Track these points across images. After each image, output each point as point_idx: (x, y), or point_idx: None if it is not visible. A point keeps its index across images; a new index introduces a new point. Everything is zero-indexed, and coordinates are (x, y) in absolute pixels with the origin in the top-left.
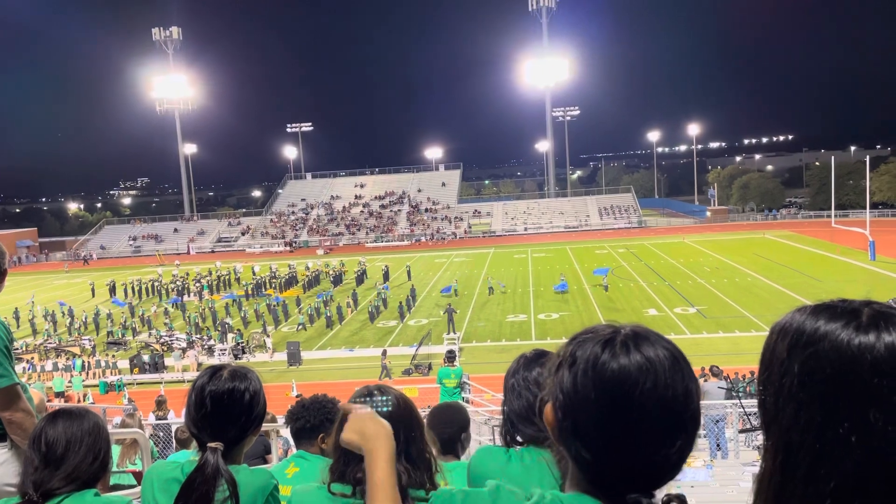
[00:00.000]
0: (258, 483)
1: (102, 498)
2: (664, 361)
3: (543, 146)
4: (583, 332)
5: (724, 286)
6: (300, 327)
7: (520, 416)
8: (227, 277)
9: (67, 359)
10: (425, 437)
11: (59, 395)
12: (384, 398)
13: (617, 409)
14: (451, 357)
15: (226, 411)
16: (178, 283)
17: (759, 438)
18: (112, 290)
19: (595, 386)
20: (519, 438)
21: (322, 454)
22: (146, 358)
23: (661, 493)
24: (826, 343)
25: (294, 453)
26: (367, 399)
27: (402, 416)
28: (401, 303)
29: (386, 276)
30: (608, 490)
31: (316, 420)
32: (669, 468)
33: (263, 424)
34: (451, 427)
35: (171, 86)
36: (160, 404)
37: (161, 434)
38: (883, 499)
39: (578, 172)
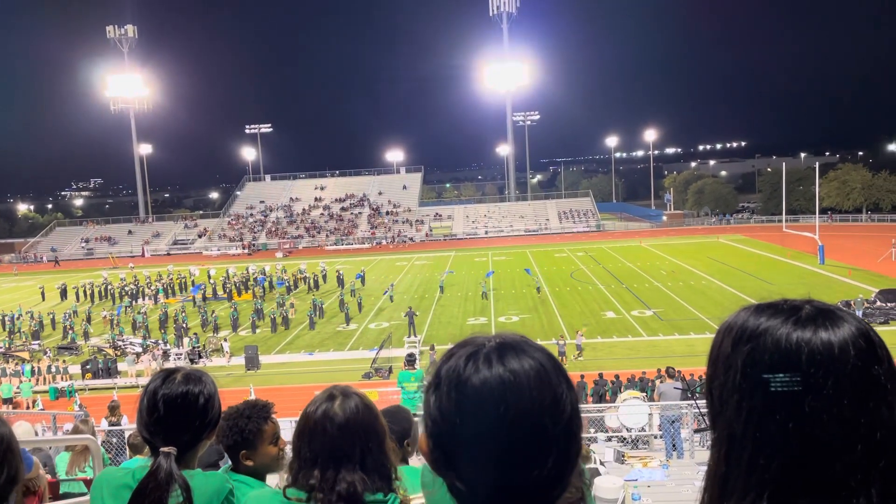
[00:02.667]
0: (213, 487)
1: None
2: (529, 372)
3: (504, 150)
4: (453, 347)
5: (680, 289)
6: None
7: None
8: (183, 281)
9: (16, 364)
10: (385, 446)
11: (7, 401)
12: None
13: (481, 429)
14: (410, 360)
15: (179, 415)
16: (131, 286)
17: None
18: (63, 293)
19: (458, 406)
20: None
21: (251, 473)
22: (99, 363)
23: None
24: (767, 337)
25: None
26: (329, 402)
27: (361, 422)
28: (346, 305)
29: (340, 282)
30: None
31: (231, 440)
32: (550, 488)
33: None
34: (394, 432)
35: (126, 85)
36: (113, 409)
37: (115, 440)
38: (821, 481)
39: (538, 176)
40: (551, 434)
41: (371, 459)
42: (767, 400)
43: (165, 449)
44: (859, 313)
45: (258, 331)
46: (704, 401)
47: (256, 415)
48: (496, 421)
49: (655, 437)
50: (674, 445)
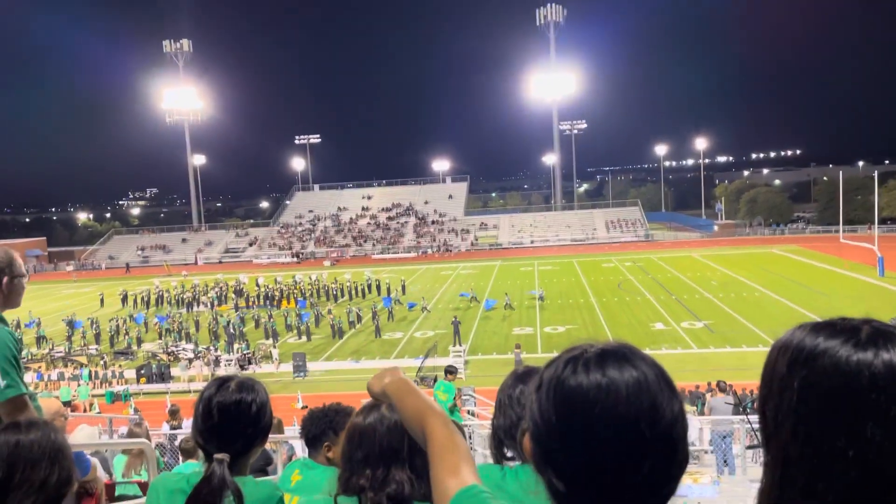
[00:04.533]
0: (264, 495)
1: None
2: (628, 380)
3: (550, 159)
4: (559, 353)
5: (732, 301)
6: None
7: (505, 433)
8: (238, 287)
9: (75, 368)
10: None
11: (66, 404)
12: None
13: (576, 431)
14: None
15: (233, 423)
16: (188, 294)
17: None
18: (124, 299)
19: (555, 408)
20: (508, 453)
21: (330, 464)
22: (153, 368)
23: None
24: (825, 359)
25: (299, 459)
26: (376, 410)
27: None
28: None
29: (388, 290)
30: None
31: (317, 429)
32: (646, 496)
33: (270, 434)
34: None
35: (181, 97)
36: (174, 414)
37: (177, 444)
38: None
39: (585, 185)
40: (647, 439)
41: (420, 460)
42: (826, 425)
43: (219, 455)
44: None
45: (302, 338)
46: (756, 416)
47: (344, 411)
48: (590, 424)
49: (706, 453)
50: (725, 461)
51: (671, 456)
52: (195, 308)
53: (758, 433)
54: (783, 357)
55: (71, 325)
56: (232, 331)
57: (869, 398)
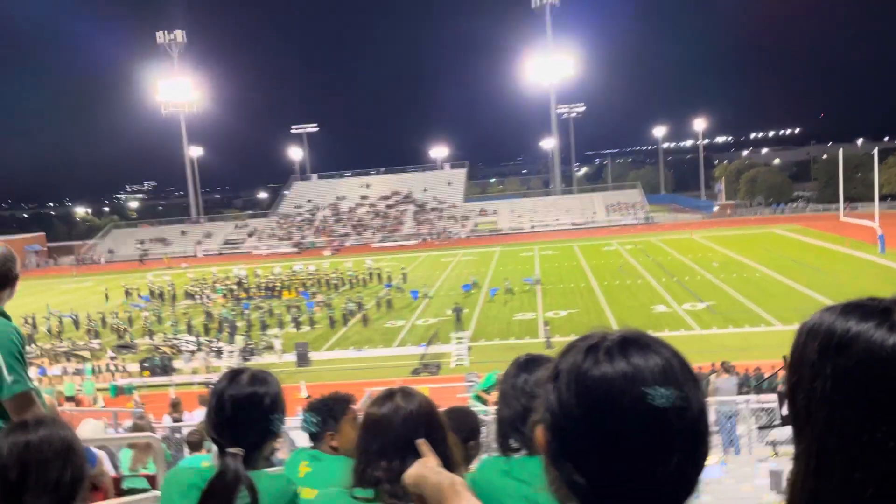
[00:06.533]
0: (278, 489)
1: None
2: (654, 368)
3: (549, 143)
4: (572, 341)
5: (733, 281)
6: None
7: (510, 425)
8: (237, 279)
9: (78, 363)
10: (448, 440)
11: (70, 399)
12: None
13: (601, 423)
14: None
15: (246, 416)
16: (187, 286)
17: (775, 434)
18: (127, 293)
19: (577, 399)
20: (514, 445)
21: (335, 453)
22: (156, 361)
23: None
24: (859, 344)
25: (305, 450)
26: (391, 401)
27: (425, 414)
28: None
29: (388, 279)
30: None
31: (317, 419)
32: (673, 488)
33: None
34: (460, 432)
35: (176, 89)
36: (175, 406)
37: (177, 436)
38: None
39: (584, 169)
40: (676, 431)
41: (437, 450)
42: (865, 414)
43: (233, 450)
44: None
45: (303, 328)
46: (765, 395)
47: (342, 398)
48: (618, 415)
49: (711, 433)
50: (730, 441)
51: (698, 448)
52: (196, 300)
53: (767, 413)
54: (812, 342)
55: (75, 320)
56: (233, 322)
57: None
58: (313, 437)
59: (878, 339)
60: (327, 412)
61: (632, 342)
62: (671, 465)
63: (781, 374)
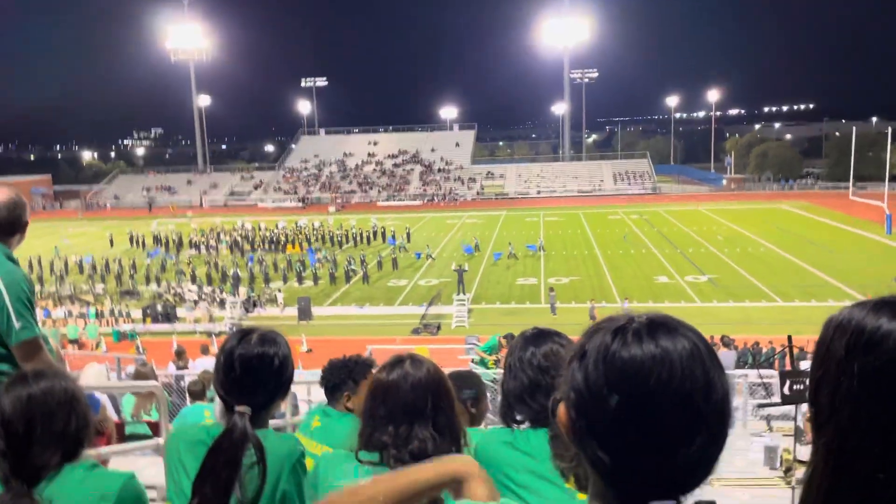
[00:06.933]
0: (285, 450)
1: (99, 472)
2: (682, 352)
3: (560, 109)
4: (597, 322)
5: (737, 256)
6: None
7: (516, 397)
8: (242, 231)
9: (82, 306)
10: (455, 407)
11: (73, 341)
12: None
13: (630, 403)
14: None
15: (255, 376)
16: (192, 236)
17: (770, 409)
18: (131, 240)
19: (606, 378)
20: (518, 417)
21: (348, 412)
22: (159, 308)
23: (691, 499)
24: (888, 343)
25: (320, 406)
26: (400, 367)
27: (433, 381)
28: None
29: (392, 237)
30: (630, 496)
31: (338, 378)
32: (694, 469)
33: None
34: (465, 394)
35: (186, 36)
36: (180, 355)
37: (183, 384)
38: None
39: (594, 136)
40: (703, 413)
41: (443, 418)
42: (892, 414)
43: (240, 408)
44: None
45: (305, 283)
46: (765, 370)
47: (364, 362)
48: (647, 395)
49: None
50: None
51: (722, 431)
52: (201, 251)
53: (766, 389)
54: (840, 338)
55: (80, 264)
56: (237, 273)
57: None
58: (331, 393)
59: None
60: (348, 373)
61: (659, 325)
62: (695, 446)
63: (787, 353)
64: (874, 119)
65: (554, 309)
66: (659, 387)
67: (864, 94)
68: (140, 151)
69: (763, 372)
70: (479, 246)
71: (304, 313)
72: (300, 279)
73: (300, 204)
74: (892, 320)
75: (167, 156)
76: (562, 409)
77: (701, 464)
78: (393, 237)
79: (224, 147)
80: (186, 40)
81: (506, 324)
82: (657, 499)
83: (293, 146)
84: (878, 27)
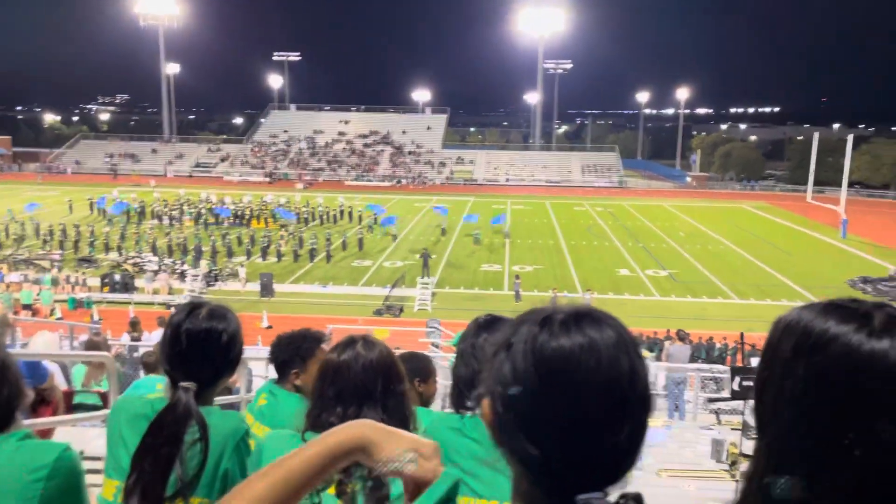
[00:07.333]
0: (229, 427)
1: (32, 442)
2: (608, 340)
3: (532, 98)
4: (521, 315)
5: (697, 252)
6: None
7: (466, 384)
8: (206, 204)
9: (37, 272)
10: (406, 391)
11: (26, 307)
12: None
13: (559, 392)
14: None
15: (201, 351)
16: (155, 206)
17: (719, 405)
18: (91, 207)
19: (535, 369)
20: (469, 404)
21: (296, 391)
22: (117, 277)
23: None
24: (836, 346)
25: (268, 383)
26: (351, 348)
27: (384, 363)
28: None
29: (359, 219)
30: (558, 491)
31: (286, 355)
32: (622, 458)
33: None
34: (413, 371)
35: (156, 0)
36: (134, 325)
37: (136, 355)
38: None
39: (565, 127)
40: (629, 399)
41: (393, 401)
42: (833, 419)
43: (185, 384)
44: None
45: (269, 258)
46: (718, 366)
47: (312, 337)
48: (575, 384)
49: (658, 397)
50: (676, 407)
51: (645, 418)
52: (162, 221)
53: (717, 384)
54: (787, 339)
55: (36, 228)
56: (200, 246)
57: (883, 392)
58: (279, 371)
59: (855, 343)
60: (295, 350)
61: (584, 315)
62: (623, 433)
63: (739, 349)
64: (836, 126)
65: (518, 296)
66: (587, 375)
67: (828, 101)
68: (104, 117)
69: (714, 367)
70: (444, 229)
71: (266, 289)
72: (264, 255)
73: (267, 179)
74: (840, 324)
75: (132, 123)
76: (486, 405)
77: (629, 452)
78: (361, 219)
79: (192, 117)
80: (156, 5)
81: (469, 308)
82: (584, 493)
83: (262, 120)
84: (846, 37)
